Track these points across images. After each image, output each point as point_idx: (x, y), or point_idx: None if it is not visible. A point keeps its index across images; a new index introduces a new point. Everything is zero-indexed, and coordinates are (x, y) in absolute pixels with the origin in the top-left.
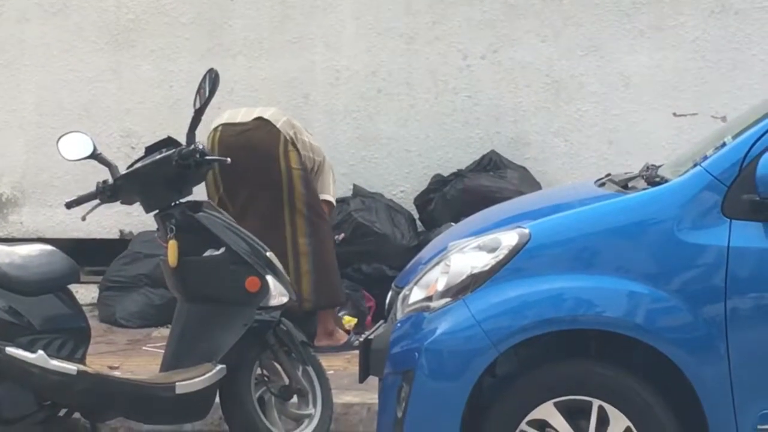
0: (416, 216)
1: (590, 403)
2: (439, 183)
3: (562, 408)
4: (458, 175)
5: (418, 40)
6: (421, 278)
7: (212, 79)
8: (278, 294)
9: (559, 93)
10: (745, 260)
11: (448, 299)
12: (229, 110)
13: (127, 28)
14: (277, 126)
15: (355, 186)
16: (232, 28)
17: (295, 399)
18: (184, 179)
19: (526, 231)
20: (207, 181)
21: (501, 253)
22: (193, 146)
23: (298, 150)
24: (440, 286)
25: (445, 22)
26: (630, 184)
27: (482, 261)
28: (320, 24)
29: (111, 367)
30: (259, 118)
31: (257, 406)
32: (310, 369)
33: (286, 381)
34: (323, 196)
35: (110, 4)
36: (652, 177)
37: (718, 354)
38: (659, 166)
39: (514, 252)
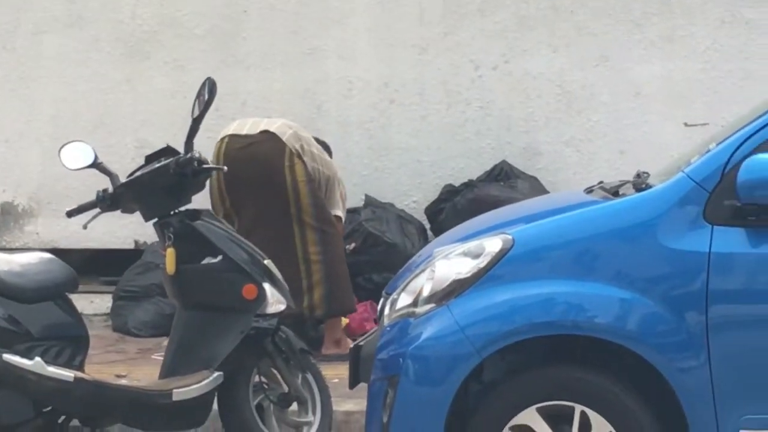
0: (427, 226)
1: (573, 409)
2: (449, 193)
3: (544, 413)
4: (469, 185)
5: (431, 51)
6: (408, 284)
7: (210, 87)
8: (275, 301)
9: (571, 103)
10: (726, 266)
11: (432, 305)
12: (238, 120)
13: (142, 40)
14: (283, 139)
15: (367, 196)
16: (246, 39)
17: (294, 406)
18: (182, 188)
19: (510, 237)
20: (212, 194)
21: (485, 259)
22: (190, 155)
23: (304, 162)
24: (425, 292)
25: (458, 33)
26: (620, 191)
27: (466, 267)
28: (333, 35)
29: (118, 376)
30: (265, 131)
31: (255, 413)
32: (309, 376)
33: (285, 388)
34: (335, 212)
35: (125, 16)
36: (640, 184)
37: (700, 360)
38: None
39: (498, 258)
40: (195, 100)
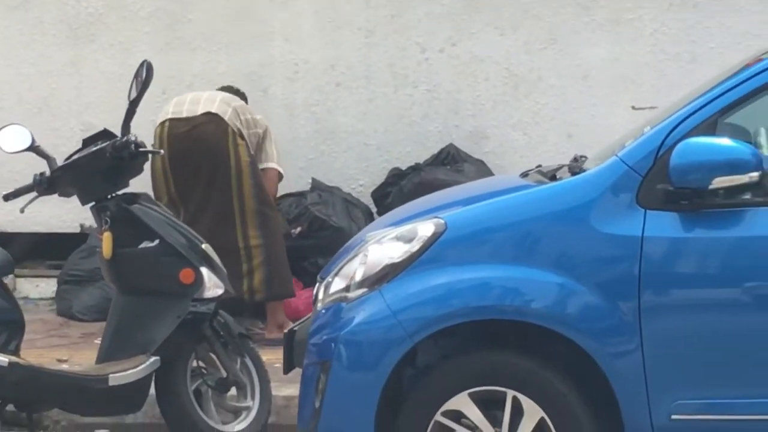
0: (374, 210)
1: (504, 394)
2: (396, 177)
3: (477, 399)
4: (415, 168)
5: (377, 34)
6: (341, 269)
7: (147, 70)
8: (213, 286)
9: (518, 86)
10: (658, 250)
11: (364, 289)
12: (175, 99)
13: (87, 22)
14: (226, 119)
15: (313, 180)
16: (191, 21)
17: (233, 391)
18: (119, 171)
19: (442, 221)
20: (156, 180)
21: (417, 244)
22: (126, 138)
23: (245, 141)
24: (358, 277)
25: (404, 16)
26: (558, 175)
27: (399, 251)
28: (279, 17)
29: (60, 360)
30: (208, 113)
31: (193, 398)
32: (248, 361)
33: (224, 373)
34: (268, 165)
35: None
36: (575, 168)
37: (632, 345)
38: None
39: (430, 242)
40: (132, 83)
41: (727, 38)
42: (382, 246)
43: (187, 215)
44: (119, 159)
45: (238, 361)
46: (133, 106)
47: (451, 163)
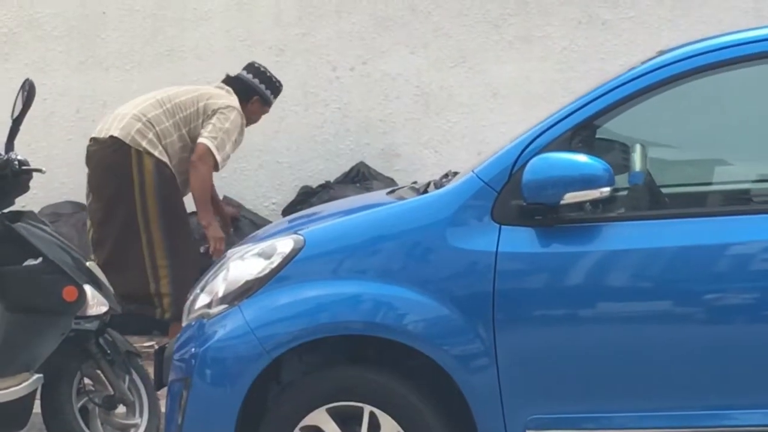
0: None
1: (361, 409)
2: (306, 195)
3: (335, 414)
4: (325, 186)
5: (288, 53)
6: (207, 284)
7: (28, 89)
8: (97, 303)
9: (429, 104)
10: (512, 266)
11: (225, 306)
12: (112, 115)
13: (0, 42)
14: (127, 141)
15: (225, 197)
16: (105, 41)
17: (122, 409)
18: (2, 190)
19: (301, 237)
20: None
21: (276, 259)
22: (7, 156)
23: (154, 157)
24: (220, 293)
25: (315, 35)
26: (429, 191)
27: (259, 267)
28: (191, 37)
29: None
30: (112, 137)
31: (79, 416)
32: (136, 378)
33: (111, 391)
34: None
35: None
36: (441, 184)
37: (487, 360)
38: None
39: (289, 258)
40: (14, 101)
41: (636, 56)
42: (244, 262)
43: (92, 233)
44: (2, 177)
45: (126, 378)
46: (16, 124)
47: (360, 181)
